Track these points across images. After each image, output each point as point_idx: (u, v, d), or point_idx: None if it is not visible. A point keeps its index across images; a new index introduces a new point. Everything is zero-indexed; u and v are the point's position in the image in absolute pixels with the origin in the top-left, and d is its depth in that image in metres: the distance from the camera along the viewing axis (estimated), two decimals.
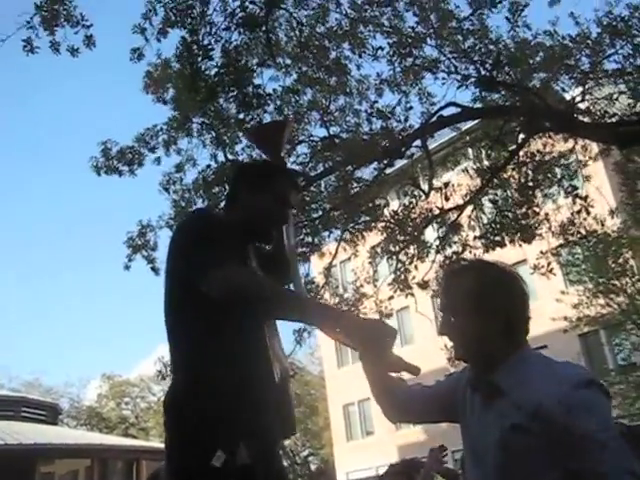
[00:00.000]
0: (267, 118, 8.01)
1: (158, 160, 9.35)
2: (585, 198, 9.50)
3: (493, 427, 1.68)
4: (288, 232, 2.48)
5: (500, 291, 1.77)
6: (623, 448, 1.53)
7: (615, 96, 9.01)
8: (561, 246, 11.62)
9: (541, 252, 9.89)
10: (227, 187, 2.53)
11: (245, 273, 2.02)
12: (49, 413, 20.85)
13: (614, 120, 8.80)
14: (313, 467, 37.85)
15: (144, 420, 42.15)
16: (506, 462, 1.64)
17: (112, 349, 66.43)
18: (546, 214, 9.85)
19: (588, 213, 9.53)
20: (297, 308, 1.91)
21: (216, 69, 7.26)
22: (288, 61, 8.99)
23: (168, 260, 2.08)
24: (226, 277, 1.87)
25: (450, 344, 1.95)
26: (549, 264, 9.80)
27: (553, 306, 15.21)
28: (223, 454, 1.71)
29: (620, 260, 13.78)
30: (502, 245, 9.40)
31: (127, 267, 9.39)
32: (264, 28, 7.81)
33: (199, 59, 7.14)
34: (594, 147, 10.36)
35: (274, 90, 8.39)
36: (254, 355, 1.96)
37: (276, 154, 2.58)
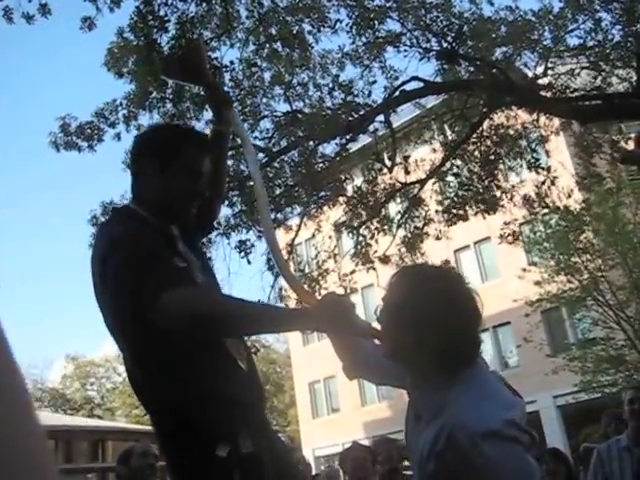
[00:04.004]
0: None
1: (118, 136, 9.09)
2: (548, 169, 9.51)
3: (415, 449, 1.62)
4: (248, 164, 2.35)
5: (433, 308, 1.56)
6: None
7: (577, 71, 9.02)
8: (525, 223, 11.64)
9: (505, 223, 9.86)
10: (130, 168, 2.22)
11: (207, 294, 1.85)
12: None
13: (575, 95, 8.82)
14: None
15: (110, 400, 41.92)
16: None
17: (77, 329, 65.79)
18: (512, 186, 9.84)
19: (553, 184, 9.53)
20: (266, 322, 1.74)
21: (171, 41, 7.04)
22: (246, 34, 8.81)
23: (106, 275, 1.77)
24: (183, 300, 1.63)
25: None
26: (514, 232, 9.77)
27: (515, 283, 15.35)
28: (226, 445, 1.68)
29: (582, 237, 13.90)
30: (465, 219, 9.38)
31: (91, 245, 9.25)
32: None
33: (154, 30, 6.91)
34: (556, 122, 10.36)
35: (231, 62, 8.22)
36: (217, 351, 1.84)
37: (204, 79, 2.44)
